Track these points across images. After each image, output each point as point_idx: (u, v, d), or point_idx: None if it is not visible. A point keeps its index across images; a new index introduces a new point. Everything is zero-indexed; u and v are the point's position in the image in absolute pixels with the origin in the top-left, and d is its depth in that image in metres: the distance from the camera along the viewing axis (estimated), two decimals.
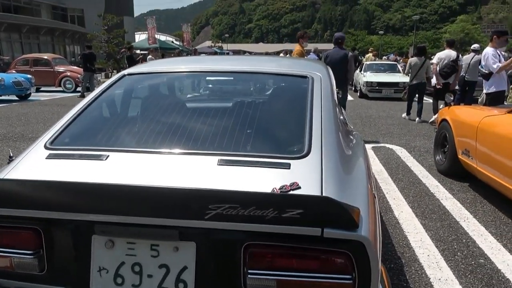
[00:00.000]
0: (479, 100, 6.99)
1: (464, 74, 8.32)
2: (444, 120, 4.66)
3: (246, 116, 1.79)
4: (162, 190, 1.19)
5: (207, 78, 2.62)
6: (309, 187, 1.30)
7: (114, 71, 22.89)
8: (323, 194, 1.27)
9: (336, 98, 2.01)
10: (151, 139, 1.67)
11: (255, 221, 1.11)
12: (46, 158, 1.55)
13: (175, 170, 1.43)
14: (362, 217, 1.17)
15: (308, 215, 1.09)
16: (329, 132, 1.58)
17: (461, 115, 4.31)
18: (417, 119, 8.49)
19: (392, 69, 14.35)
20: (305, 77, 2.04)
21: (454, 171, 4.45)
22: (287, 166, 1.39)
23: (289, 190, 1.29)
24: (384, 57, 22.46)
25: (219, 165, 1.41)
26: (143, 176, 1.40)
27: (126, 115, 2.01)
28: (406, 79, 10.38)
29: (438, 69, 8.01)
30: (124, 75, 2.20)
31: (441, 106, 7.12)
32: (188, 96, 2.66)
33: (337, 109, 1.94)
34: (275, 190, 1.29)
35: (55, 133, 1.71)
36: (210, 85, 2.79)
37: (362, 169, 1.61)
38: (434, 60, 8.34)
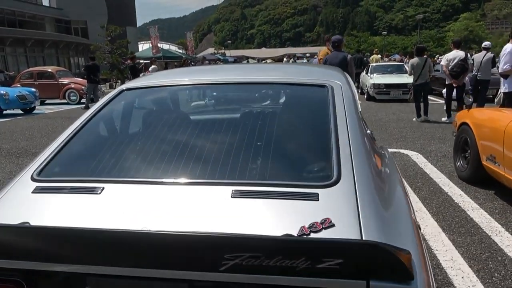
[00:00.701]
0: (496, 100, 6.71)
1: (476, 73, 8.16)
2: (464, 123, 4.40)
3: (261, 135, 1.56)
4: (167, 237, 0.97)
5: (215, 90, 2.36)
6: (344, 225, 1.07)
7: (119, 81, 22.86)
8: (363, 233, 1.04)
9: (360, 110, 1.78)
10: (152, 166, 1.46)
11: (282, 273, 0.89)
12: (32, 192, 1.34)
13: (182, 205, 1.21)
14: (414, 262, 0.94)
15: (350, 265, 0.87)
16: (359, 152, 1.35)
17: (485, 118, 4.05)
18: (422, 117, 8.57)
19: (399, 70, 14.06)
20: (323, 86, 1.82)
21: (478, 178, 4.18)
22: (315, 197, 1.16)
23: (321, 229, 1.06)
24: (385, 59, 22.00)
25: (234, 197, 1.19)
26: (143, 215, 1.18)
27: (125, 138, 1.79)
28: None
29: (448, 70, 7.99)
30: (123, 91, 1.99)
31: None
32: (194, 112, 2.44)
33: (363, 122, 1.71)
34: (304, 230, 1.06)
35: (44, 161, 1.50)
36: (218, 99, 2.51)
37: (401, 196, 1.38)
38: (443, 62, 8.34)
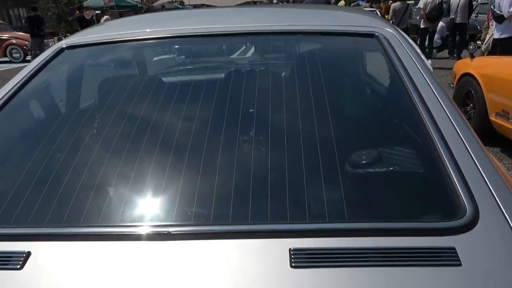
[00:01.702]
0: (484, 46, 6.34)
1: (453, 17, 8.05)
2: (466, 74, 3.96)
3: (309, 133, 0.95)
4: None
5: (208, 48, 1.52)
6: None
7: (68, 34, 20.80)
8: None
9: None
10: (118, 204, 0.83)
11: None
12: None
13: None
14: None
15: None
16: (480, 153, 0.80)
17: (495, 69, 3.61)
18: None
19: None
20: (371, 35, 1.23)
21: (481, 135, 3.82)
22: (452, 257, 0.61)
23: None
24: (353, 4, 20.94)
25: (296, 266, 0.62)
26: None
27: (66, 143, 1.03)
28: None
29: (425, 14, 7.94)
30: (62, 49, 1.30)
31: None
32: (182, 88, 1.55)
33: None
34: None
35: None
36: (217, 66, 1.46)
37: None
38: (420, 4, 8.18)
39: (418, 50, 1.22)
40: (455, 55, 8.45)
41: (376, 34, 1.22)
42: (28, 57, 12.97)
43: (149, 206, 0.84)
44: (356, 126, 1.04)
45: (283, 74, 1.27)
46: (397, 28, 1.41)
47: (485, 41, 6.25)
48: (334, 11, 1.75)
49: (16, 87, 1.14)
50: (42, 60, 1.24)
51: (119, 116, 1.08)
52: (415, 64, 1.09)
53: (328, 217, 0.75)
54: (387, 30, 1.25)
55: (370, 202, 0.80)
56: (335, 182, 0.82)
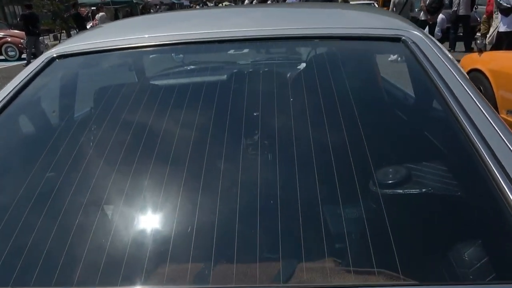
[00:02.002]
0: (488, 40, 6.20)
1: (455, 9, 7.95)
2: (475, 70, 3.85)
3: (344, 163, 0.82)
4: None
5: (220, 55, 1.39)
6: None
7: (63, 31, 20.54)
8: None
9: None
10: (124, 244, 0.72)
11: None
12: None
13: None
14: None
15: None
16: None
17: (505, 64, 3.50)
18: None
19: None
20: (397, 39, 1.11)
21: None
22: None
23: None
24: None
25: None
26: None
27: (59, 170, 0.89)
28: None
29: (425, 6, 7.86)
30: (53, 59, 1.18)
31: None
32: (181, 101, 1.25)
33: None
34: None
35: None
36: (224, 73, 1.32)
37: None
38: None
39: (450, 56, 1.10)
40: (465, 50, 8.31)
41: (403, 38, 1.09)
42: (24, 55, 12.77)
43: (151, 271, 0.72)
44: (391, 146, 0.92)
45: (303, 87, 1.13)
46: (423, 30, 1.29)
47: (489, 34, 6.11)
48: (351, 11, 1.59)
49: (4, 101, 1.02)
50: (31, 71, 1.12)
51: (121, 133, 0.97)
52: (452, 72, 0.97)
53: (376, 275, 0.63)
54: (414, 33, 1.13)
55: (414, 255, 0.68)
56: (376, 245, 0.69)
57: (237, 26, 1.29)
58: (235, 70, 1.34)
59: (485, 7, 7.85)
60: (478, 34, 8.17)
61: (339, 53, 1.20)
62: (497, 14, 5.45)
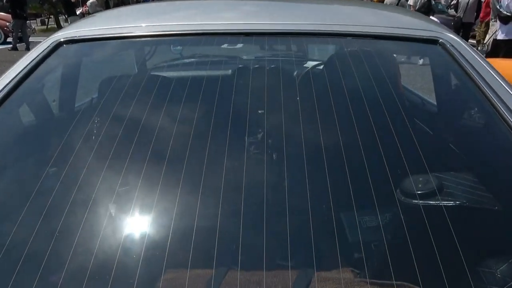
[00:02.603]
0: (485, 48, 6.22)
1: (461, 15, 8.01)
2: None
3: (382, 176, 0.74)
4: None
5: (228, 50, 1.28)
6: None
7: (51, 16, 20.03)
8: None
9: None
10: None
11: None
12: None
13: None
14: None
15: None
16: None
17: (507, 72, 3.48)
18: None
19: None
20: (434, 42, 1.04)
21: None
22: None
23: None
24: None
25: None
26: None
27: (68, 164, 0.80)
28: None
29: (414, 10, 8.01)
30: (60, 44, 1.07)
31: None
32: (198, 98, 1.21)
33: None
34: None
35: None
36: (238, 71, 1.18)
37: None
38: (410, 1, 8.21)
39: (487, 61, 1.05)
40: None
41: (441, 40, 1.03)
42: (9, 39, 12.40)
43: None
44: (426, 152, 0.85)
45: (328, 87, 1.04)
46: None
47: (486, 41, 6.14)
48: (378, 9, 1.51)
49: (8, 87, 0.91)
50: (36, 56, 1.01)
51: (131, 124, 0.87)
52: (494, 75, 0.92)
53: None
54: (451, 36, 1.06)
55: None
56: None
57: (255, 19, 1.20)
58: (253, 63, 1.26)
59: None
60: (472, 40, 8.28)
61: (373, 53, 1.12)
62: (494, 21, 5.48)
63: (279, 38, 1.13)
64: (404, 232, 0.64)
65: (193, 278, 0.60)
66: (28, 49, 11.43)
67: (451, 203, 0.73)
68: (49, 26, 19.29)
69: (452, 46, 1.01)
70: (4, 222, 0.71)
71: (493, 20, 5.76)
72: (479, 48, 4.14)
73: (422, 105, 1.24)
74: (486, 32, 6.49)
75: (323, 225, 0.67)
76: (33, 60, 0.99)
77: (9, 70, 0.98)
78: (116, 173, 0.76)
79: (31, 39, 11.82)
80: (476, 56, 1.00)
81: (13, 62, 1.05)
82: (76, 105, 1.17)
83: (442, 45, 1.02)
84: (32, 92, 0.97)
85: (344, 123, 0.86)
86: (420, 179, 0.74)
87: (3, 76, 0.96)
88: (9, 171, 0.83)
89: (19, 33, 11.52)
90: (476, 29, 8.24)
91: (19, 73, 0.95)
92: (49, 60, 1.01)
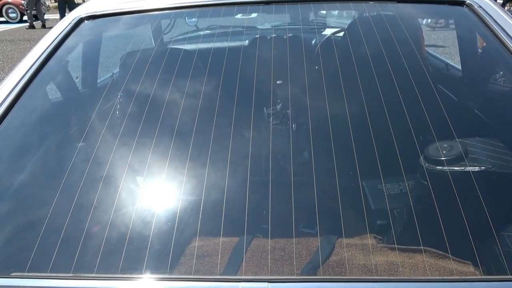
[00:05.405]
0: None
1: None
2: None
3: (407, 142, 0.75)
4: None
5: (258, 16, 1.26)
6: None
7: None
8: None
9: None
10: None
11: None
12: None
13: None
14: None
15: None
16: None
17: None
18: None
19: None
20: (460, 3, 1.00)
21: None
22: None
23: None
24: None
25: None
26: None
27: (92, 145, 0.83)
28: None
29: None
30: (81, 20, 1.08)
31: None
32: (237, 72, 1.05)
33: None
34: None
35: None
36: (261, 37, 1.17)
37: None
38: None
39: None
40: None
41: (468, 1, 0.99)
42: (25, 17, 12.46)
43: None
44: (453, 117, 0.84)
45: (356, 55, 1.02)
46: None
47: None
48: None
49: (35, 66, 0.93)
50: (60, 33, 1.02)
51: (158, 97, 0.89)
52: None
53: None
54: None
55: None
56: None
57: None
58: (272, 31, 1.25)
59: None
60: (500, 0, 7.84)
61: (395, 15, 1.08)
62: None
63: (300, 4, 1.11)
64: (432, 198, 0.65)
65: (225, 244, 0.63)
66: (44, 26, 11.47)
67: (476, 168, 0.73)
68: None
69: (481, 7, 0.97)
70: (44, 191, 0.75)
71: None
72: (506, 8, 3.94)
73: (447, 69, 1.21)
74: None
75: (349, 192, 0.68)
76: (56, 37, 1.01)
77: (34, 49, 1.00)
78: (146, 146, 0.79)
79: (46, 16, 11.84)
80: (507, 18, 0.96)
81: (30, 40, 1.07)
82: (98, 81, 1.20)
83: (470, 6, 0.98)
84: (57, 69, 0.99)
85: (368, 90, 0.86)
86: (445, 145, 0.74)
87: (28, 55, 0.98)
88: (43, 146, 0.87)
89: (34, 10, 11.53)
90: None
91: (43, 51, 0.97)
92: (71, 37, 1.02)
